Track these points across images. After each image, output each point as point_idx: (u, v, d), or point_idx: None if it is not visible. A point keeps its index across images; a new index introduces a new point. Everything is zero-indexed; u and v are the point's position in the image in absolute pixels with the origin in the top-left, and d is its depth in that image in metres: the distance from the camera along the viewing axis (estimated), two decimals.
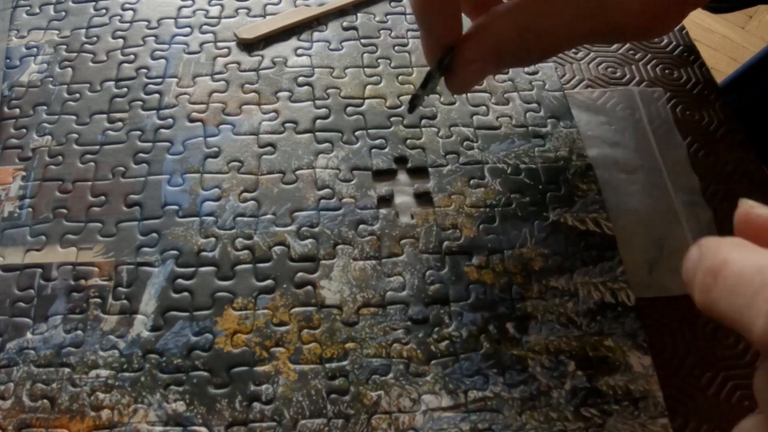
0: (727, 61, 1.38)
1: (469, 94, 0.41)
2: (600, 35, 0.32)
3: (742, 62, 0.57)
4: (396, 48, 0.44)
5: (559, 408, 0.30)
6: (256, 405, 0.30)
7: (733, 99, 0.55)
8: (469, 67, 0.32)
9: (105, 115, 0.40)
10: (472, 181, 0.37)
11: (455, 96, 0.41)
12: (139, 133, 0.39)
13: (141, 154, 0.39)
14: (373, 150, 0.39)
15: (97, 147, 0.39)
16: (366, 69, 0.43)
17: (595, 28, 0.31)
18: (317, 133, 0.40)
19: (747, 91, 0.58)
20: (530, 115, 0.40)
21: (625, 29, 0.31)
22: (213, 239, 0.35)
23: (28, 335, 0.32)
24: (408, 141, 0.39)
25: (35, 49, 0.44)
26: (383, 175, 0.38)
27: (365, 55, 0.44)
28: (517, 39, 0.31)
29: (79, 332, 0.32)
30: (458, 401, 0.30)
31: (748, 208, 0.22)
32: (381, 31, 0.45)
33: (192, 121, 0.40)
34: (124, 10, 0.46)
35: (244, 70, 0.43)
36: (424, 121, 0.40)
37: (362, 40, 0.44)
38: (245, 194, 0.37)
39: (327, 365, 0.31)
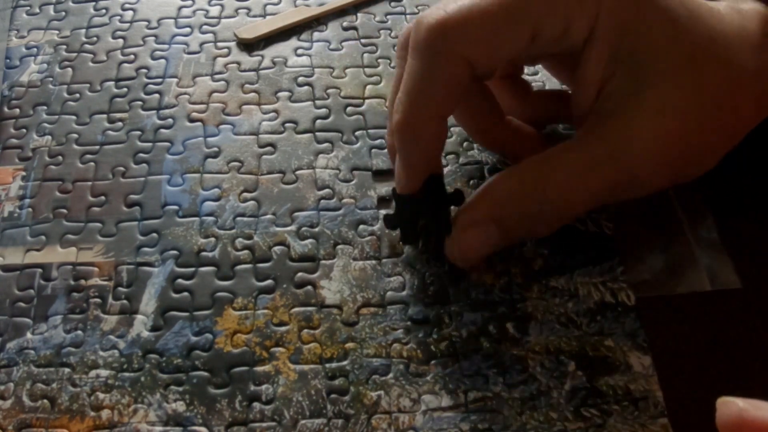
0: None
1: None
2: (618, 190, 0.30)
3: None
4: (396, 48, 0.44)
5: (559, 408, 0.30)
6: (256, 405, 0.30)
7: None
8: (468, 233, 0.30)
9: (105, 115, 0.40)
10: (471, 182, 0.37)
11: None
12: (139, 133, 0.40)
13: (141, 154, 0.39)
14: (373, 150, 0.39)
15: (97, 147, 0.39)
16: (366, 69, 0.43)
17: (608, 179, 0.29)
18: (317, 133, 0.40)
19: None
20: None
21: (645, 179, 0.29)
22: (213, 239, 0.35)
23: (28, 335, 0.32)
24: None
25: (35, 49, 0.44)
26: (383, 175, 0.38)
27: (365, 55, 0.44)
28: (521, 203, 0.29)
29: (79, 332, 0.32)
30: (458, 401, 0.30)
31: (738, 410, 0.18)
32: (381, 31, 0.45)
33: (192, 121, 0.40)
34: (124, 10, 0.46)
35: (244, 70, 0.43)
36: None
37: (362, 40, 0.44)
38: (245, 194, 0.37)
39: (327, 365, 0.31)
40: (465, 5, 0.28)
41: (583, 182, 0.29)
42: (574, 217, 0.32)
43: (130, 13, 0.46)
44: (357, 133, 0.40)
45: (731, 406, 0.19)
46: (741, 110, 0.30)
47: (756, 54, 0.29)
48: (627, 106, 0.28)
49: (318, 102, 0.41)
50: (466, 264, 0.32)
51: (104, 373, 0.31)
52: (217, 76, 0.42)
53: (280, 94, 0.42)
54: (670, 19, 0.28)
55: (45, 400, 0.30)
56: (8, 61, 0.43)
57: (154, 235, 0.35)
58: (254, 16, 0.46)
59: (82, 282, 0.34)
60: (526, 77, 0.42)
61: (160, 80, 0.42)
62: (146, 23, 0.45)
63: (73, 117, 0.40)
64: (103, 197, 0.37)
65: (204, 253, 0.35)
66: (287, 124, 0.40)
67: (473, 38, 0.28)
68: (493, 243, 0.31)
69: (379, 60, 0.43)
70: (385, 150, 0.38)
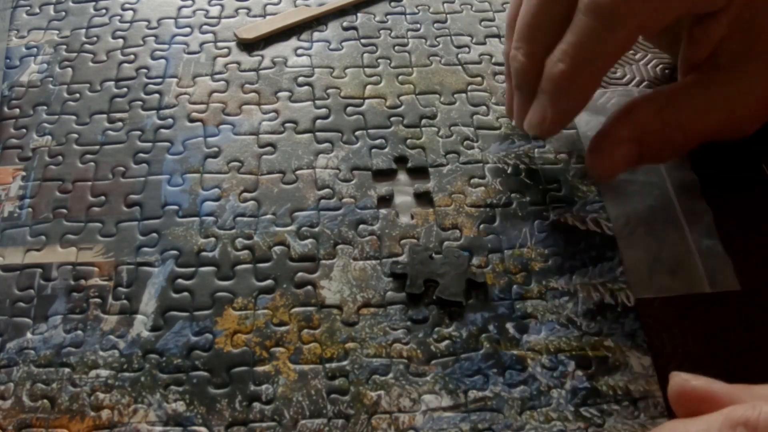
0: None
1: (469, 93, 0.41)
2: (728, 129, 0.34)
3: None
4: (396, 48, 0.44)
5: (559, 408, 0.30)
6: (256, 405, 0.30)
7: None
8: (615, 152, 0.33)
9: (105, 115, 0.40)
10: (472, 181, 0.37)
11: (455, 96, 0.41)
12: (139, 133, 0.40)
13: (141, 154, 0.39)
14: (373, 150, 0.39)
15: (97, 147, 0.39)
16: (366, 69, 0.43)
17: (722, 120, 0.33)
18: (317, 133, 0.40)
19: None
20: None
21: (751, 120, 0.34)
22: (213, 239, 0.35)
23: (28, 335, 0.32)
24: (408, 141, 0.39)
25: (35, 49, 0.44)
26: (383, 175, 0.38)
27: (365, 55, 0.44)
28: (660, 128, 0.33)
29: (79, 332, 0.32)
30: (458, 401, 0.30)
31: (682, 381, 0.24)
32: (381, 31, 0.45)
33: (192, 121, 0.40)
34: (124, 10, 0.46)
35: (244, 70, 0.43)
36: (424, 121, 0.40)
37: (362, 40, 0.44)
38: (245, 194, 0.37)
39: (327, 365, 0.31)
40: None
41: (702, 118, 0.33)
42: (692, 146, 0.35)
43: (130, 13, 0.46)
44: (357, 133, 0.40)
45: (677, 378, 0.24)
46: None
47: None
48: (740, 63, 0.33)
49: (318, 102, 0.41)
50: (606, 179, 0.36)
51: (104, 373, 0.31)
52: (217, 76, 0.42)
53: (280, 94, 0.42)
54: None
55: (45, 400, 0.30)
56: (8, 61, 0.43)
57: (154, 235, 0.35)
58: (254, 16, 0.46)
59: (82, 282, 0.34)
60: None
61: (160, 80, 0.42)
62: (146, 23, 0.45)
63: (73, 117, 0.40)
64: (103, 197, 0.37)
65: (204, 253, 0.35)
66: (287, 124, 0.40)
67: (651, 8, 0.30)
68: (633, 161, 0.34)
69: (379, 60, 0.43)
70: (386, 150, 0.39)
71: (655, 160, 0.36)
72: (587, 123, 0.40)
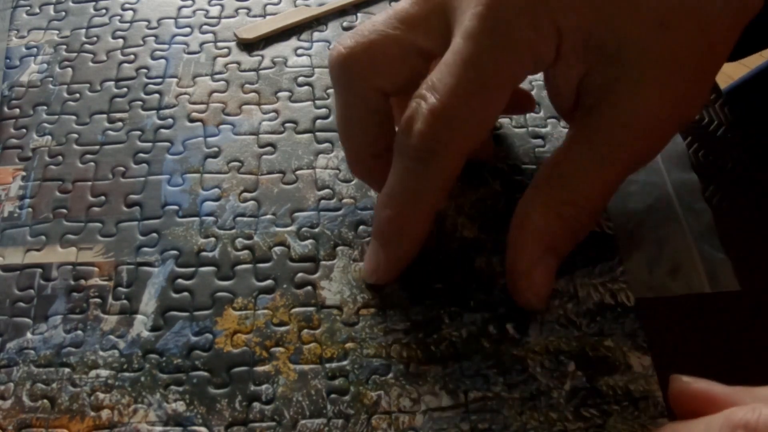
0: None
1: None
2: (630, 171, 0.31)
3: (743, 62, 0.57)
4: None
5: (559, 408, 0.30)
6: (256, 405, 0.30)
7: (740, 104, 0.55)
8: (535, 277, 0.31)
9: (105, 115, 0.40)
10: (472, 182, 0.37)
11: None
12: (139, 133, 0.40)
13: (141, 154, 0.39)
14: None
15: (97, 147, 0.39)
16: None
17: (619, 170, 0.30)
18: (317, 133, 0.40)
19: (754, 96, 0.57)
20: (530, 115, 0.40)
21: (650, 150, 0.31)
22: (213, 239, 0.35)
23: (28, 335, 0.32)
24: None
25: (35, 49, 0.44)
26: None
27: None
28: (562, 223, 0.30)
29: (79, 332, 0.32)
30: (458, 401, 0.30)
31: (682, 383, 0.24)
32: None
33: (192, 121, 0.40)
34: (124, 10, 0.46)
35: (244, 70, 0.43)
36: None
37: None
38: (245, 194, 0.37)
39: (327, 365, 0.31)
40: (366, 32, 0.30)
41: (596, 181, 0.30)
42: (603, 209, 0.33)
43: (130, 13, 0.46)
44: None
45: (677, 380, 0.24)
46: (716, 49, 0.29)
47: None
48: (608, 94, 0.28)
49: (318, 102, 0.41)
50: (542, 304, 0.32)
51: (104, 373, 0.31)
52: (217, 76, 0.42)
53: (280, 94, 0.42)
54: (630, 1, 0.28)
55: (45, 400, 0.30)
56: (8, 61, 0.43)
57: (154, 235, 0.35)
58: (254, 16, 0.46)
59: (82, 282, 0.34)
60: None
61: (160, 80, 0.42)
62: (146, 23, 0.45)
63: (73, 117, 0.40)
64: (103, 197, 0.37)
65: (204, 253, 0.35)
66: (287, 124, 0.40)
67: (467, 127, 0.29)
68: (555, 268, 0.31)
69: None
70: None
71: (572, 248, 0.32)
72: None
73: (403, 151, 0.29)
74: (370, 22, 0.31)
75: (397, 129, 0.31)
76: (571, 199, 0.30)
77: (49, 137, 0.39)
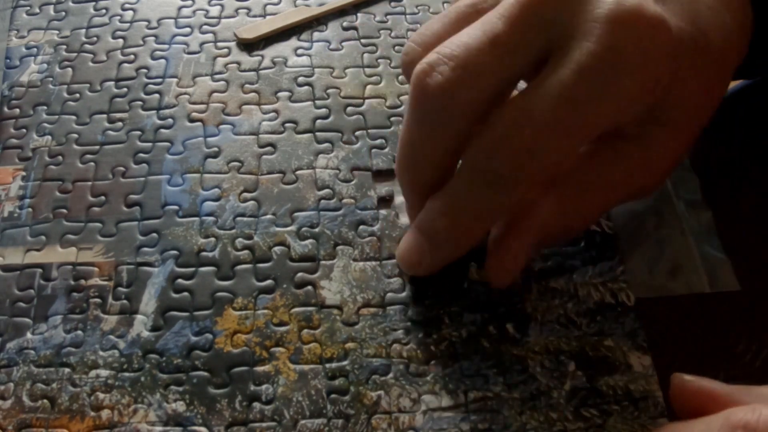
0: None
1: None
2: (629, 198, 0.32)
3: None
4: (396, 48, 0.44)
5: (559, 408, 0.30)
6: (256, 405, 0.30)
7: (740, 104, 0.55)
8: (523, 255, 0.31)
9: (105, 115, 0.40)
10: None
11: None
12: (139, 133, 0.40)
13: (141, 154, 0.39)
14: (374, 150, 0.39)
15: (97, 147, 0.39)
16: (366, 69, 0.43)
17: (625, 194, 0.31)
18: (317, 133, 0.40)
19: (754, 96, 0.57)
20: None
21: (654, 185, 0.32)
22: (213, 239, 0.35)
23: (28, 335, 0.32)
24: None
25: (35, 49, 0.44)
26: (383, 175, 0.38)
27: (365, 55, 0.44)
28: (560, 221, 0.30)
29: (79, 332, 0.32)
30: (458, 401, 0.30)
31: (683, 382, 0.25)
32: (381, 31, 0.45)
33: (192, 121, 0.40)
34: (124, 10, 0.46)
35: (244, 70, 0.43)
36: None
37: (362, 40, 0.44)
38: (245, 194, 0.37)
39: (327, 365, 0.31)
40: (461, 54, 0.27)
41: (603, 198, 0.31)
42: (590, 226, 0.34)
43: (130, 13, 0.46)
44: (357, 133, 0.40)
45: (678, 379, 0.25)
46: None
47: None
48: (647, 131, 0.30)
49: (318, 102, 0.41)
50: (507, 281, 0.32)
51: (104, 373, 0.31)
52: (217, 76, 0.42)
53: (280, 94, 0.42)
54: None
55: (45, 400, 0.30)
56: (8, 61, 0.43)
57: (154, 235, 0.35)
58: (254, 16, 0.46)
59: (82, 282, 0.34)
60: None
61: (160, 80, 0.42)
62: (146, 23, 0.45)
63: (73, 117, 0.40)
64: (103, 197, 0.37)
65: (204, 253, 0.35)
66: (287, 124, 0.40)
67: (548, 159, 0.27)
68: (530, 257, 0.32)
69: (379, 60, 0.43)
70: (385, 150, 0.39)
71: (547, 246, 0.33)
72: None
73: (480, 171, 0.28)
74: (463, 44, 0.27)
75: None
76: (577, 207, 0.30)
77: (49, 137, 0.39)
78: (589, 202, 0.30)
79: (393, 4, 0.47)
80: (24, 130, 0.40)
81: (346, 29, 0.45)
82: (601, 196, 0.30)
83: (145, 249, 0.35)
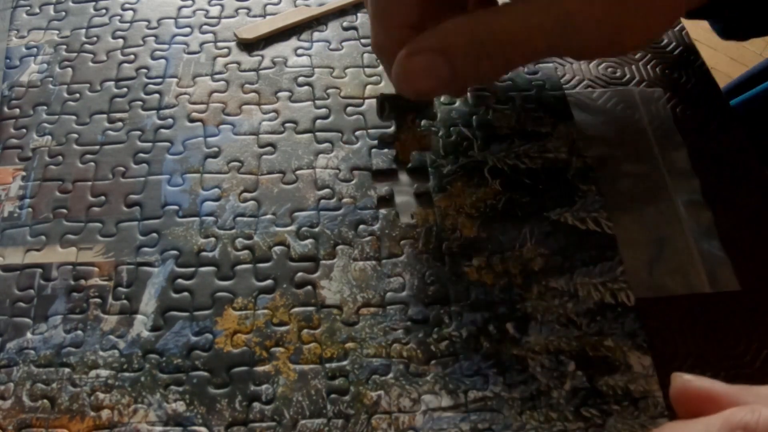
0: (727, 61, 1.38)
1: (468, 94, 0.41)
2: (559, 53, 0.30)
3: (742, 62, 0.57)
4: None
5: (559, 408, 0.30)
6: (256, 405, 0.30)
7: (739, 103, 0.55)
8: (414, 59, 0.29)
9: (105, 115, 0.40)
10: (472, 182, 0.37)
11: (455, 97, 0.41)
12: (139, 133, 0.40)
13: (141, 154, 0.39)
14: (373, 150, 0.39)
15: (97, 147, 0.39)
16: (366, 69, 0.43)
17: (553, 45, 0.29)
18: (317, 133, 0.40)
19: (753, 95, 0.57)
20: (530, 115, 0.40)
21: (584, 48, 0.30)
22: (213, 239, 0.35)
23: (28, 335, 0.32)
24: None
25: (35, 49, 0.44)
26: (383, 175, 0.38)
27: (365, 55, 0.44)
28: (467, 43, 0.29)
29: (79, 332, 0.32)
30: (458, 401, 0.30)
31: (683, 382, 0.24)
32: None
33: (192, 121, 0.40)
34: (124, 10, 0.46)
35: (244, 70, 0.43)
36: (424, 122, 0.40)
37: (362, 40, 0.44)
38: (245, 194, 0.37)
39: (327, 365, 0.31)
40: None
41: (527, 46, 0.29)
42: (520, 62, 0.32)
43: (130, 13, 0.46)
44: (357, 133, 0.40)
45: (678, 378, 0.24)
46: None
47: None
48: None
49: (318, 102, 0.41)
50: (414, 95, 0.31)
51: (104, 373, 0.31)
52: (217, 76, 0.42)
53: (280, 94, 0.42)
54: None
55: (45, 400, 0.30)
56: (8, 61, 0.43)
57: (154, 235, 0.35)
58: (254, 16, 0.46)
59: (82, 282, 0.34)
60: (525, 76, 0.42)
61: (160, 80, 0.42)
62: (146, 23, 0.45)
63: (73, 117, 0.40)
64: (103, 197, 0.37)
65: (204, 253, 0.35)
66: (287, 124, 0.40)
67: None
68: (441, 75, 0.30)
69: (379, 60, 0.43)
70: (385, 150, 0.39)
71: (475, 80, 0.32)
72: (587, 123, 0.40)
73: None
74: None
75: None
76: (491, 32, 0.29)
77: (49, 137, 0.39)
78: (506, 28, 0.29)
79: None
80: (24, 130, 0.40)
81: (346, 29, 0.45)
82: (516, 35, 0.29)
83: (145, 249, 0.35)
